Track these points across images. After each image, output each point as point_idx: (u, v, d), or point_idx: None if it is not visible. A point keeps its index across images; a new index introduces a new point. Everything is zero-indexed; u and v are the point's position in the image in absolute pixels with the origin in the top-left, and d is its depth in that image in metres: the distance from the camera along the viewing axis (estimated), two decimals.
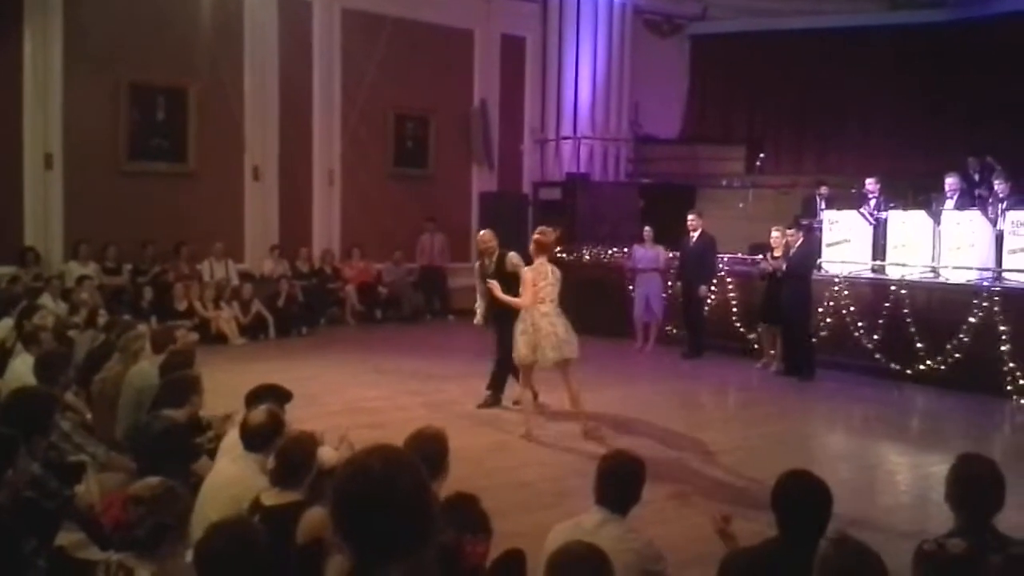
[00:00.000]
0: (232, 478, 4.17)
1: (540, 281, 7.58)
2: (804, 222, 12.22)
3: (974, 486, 3.31)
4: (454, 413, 8.24)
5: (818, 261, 11.08)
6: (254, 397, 4.84)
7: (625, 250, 13.38)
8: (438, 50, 15.59)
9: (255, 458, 4.22)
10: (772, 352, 11.12)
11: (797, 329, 10.63)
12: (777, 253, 10.91)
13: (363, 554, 1.90)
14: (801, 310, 10.52)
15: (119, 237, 12.49)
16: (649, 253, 12.44)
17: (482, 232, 8.87)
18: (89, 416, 6.36)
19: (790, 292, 10.52)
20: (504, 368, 8.54)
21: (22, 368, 6.33)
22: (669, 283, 12.44)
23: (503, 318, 8.08)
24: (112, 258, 12.48)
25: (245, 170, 13.98)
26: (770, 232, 11.09)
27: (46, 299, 10.40)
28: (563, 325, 7.60)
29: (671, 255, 12.37)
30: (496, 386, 8.69)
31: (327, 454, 4.65)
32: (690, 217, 11.93)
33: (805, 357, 10.58)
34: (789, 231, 10.83)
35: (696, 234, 11.74)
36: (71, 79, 12.46)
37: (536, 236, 7.87)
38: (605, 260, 13.80)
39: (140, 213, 12.71)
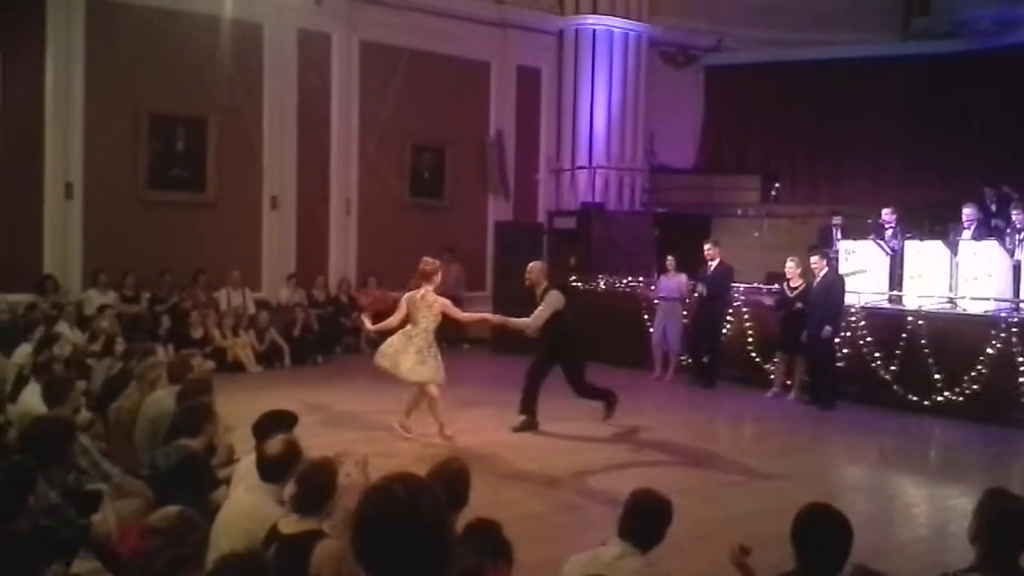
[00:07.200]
0: (246, 509, 4.13)
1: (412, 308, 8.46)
2: (825, 250, 12.06)
3: (1003, 522, 3.27)
4: (466, 442, 8.23)
5: (845, 290, 10.75)
6: (260, 426, 4.79)
7: (641, 280, 13.38)
8: (455, 81, 15.73)
9: (270, 488, 4.16)
10: (788, 382, 11.06)
11: (823, 359, 10.57)
12: (794, 284, 10.87)
13: None
14: (828, 340, 10.41)
15: (138, 265, 12.59)
16: (672, 282, 12.44)
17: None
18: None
19: (817, 323, 10.42)
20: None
21: (31, 398, 6.33)
22: (684, 312, 12.40)
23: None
24: (131, 286, 12.57)
25: (263, 199, 14.12)
26: (785, 262, 11.06)
27: (62, 327, 10.46)
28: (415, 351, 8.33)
29: (692, 284, 12.35)
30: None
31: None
32: (707, 247, 11.94)
33: (829, 387, 10.54)
34: (813, 259, 10.70)
35: (714, 263, 11.77)
36: (92, 109, 12.64)
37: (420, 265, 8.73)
38: (620, 289, 13.79)
39: (159, 242, 12.84)
